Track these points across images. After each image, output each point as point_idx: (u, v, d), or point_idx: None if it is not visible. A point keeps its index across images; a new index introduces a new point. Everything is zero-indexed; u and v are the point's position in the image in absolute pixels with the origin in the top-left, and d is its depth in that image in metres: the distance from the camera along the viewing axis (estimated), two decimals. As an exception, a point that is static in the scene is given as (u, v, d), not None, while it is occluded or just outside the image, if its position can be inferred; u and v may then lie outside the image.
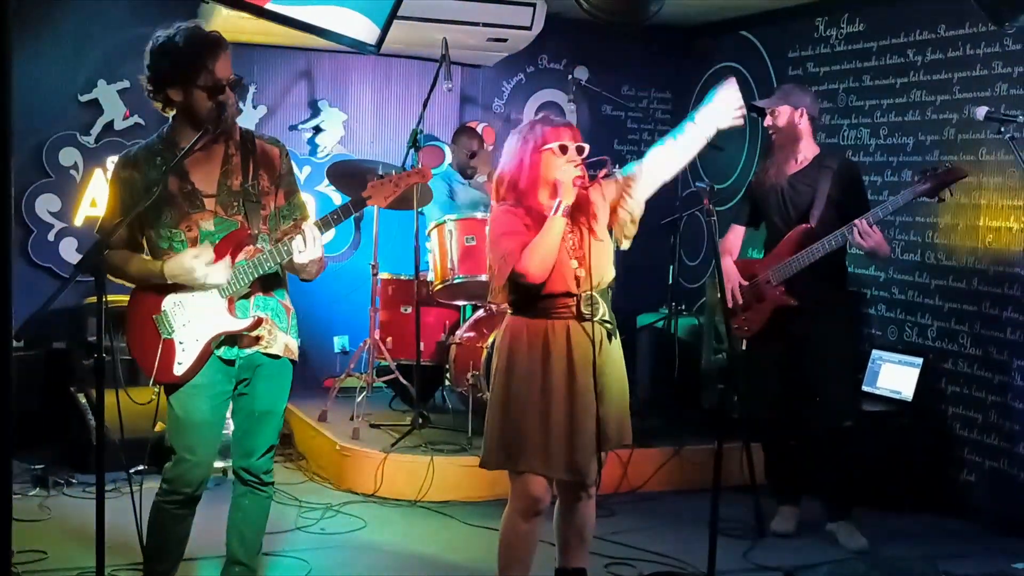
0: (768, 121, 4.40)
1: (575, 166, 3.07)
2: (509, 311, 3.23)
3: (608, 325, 3.16)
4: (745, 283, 4.40)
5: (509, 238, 3.07)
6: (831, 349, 4.31)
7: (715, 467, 3.36)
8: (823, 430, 4.36)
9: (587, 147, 3.14)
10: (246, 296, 3.08)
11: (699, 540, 3.53)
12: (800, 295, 4.26)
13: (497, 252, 3.10)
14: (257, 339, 3.10)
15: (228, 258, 3.01)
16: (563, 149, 3.09)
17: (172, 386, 3.09)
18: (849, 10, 5.68)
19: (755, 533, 4.42)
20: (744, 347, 4.45)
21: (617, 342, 3.23)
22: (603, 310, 3.14)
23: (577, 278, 3.09)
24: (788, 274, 4.27)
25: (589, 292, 3.11)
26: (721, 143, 6.51)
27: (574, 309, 3.10)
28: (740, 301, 4.39)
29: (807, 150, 4.35)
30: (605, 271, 3.16)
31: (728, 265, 4.46)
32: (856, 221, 4.07)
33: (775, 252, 4.34)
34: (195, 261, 2.98)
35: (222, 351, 3.08)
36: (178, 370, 3.04)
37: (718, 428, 3.59)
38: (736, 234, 4.58)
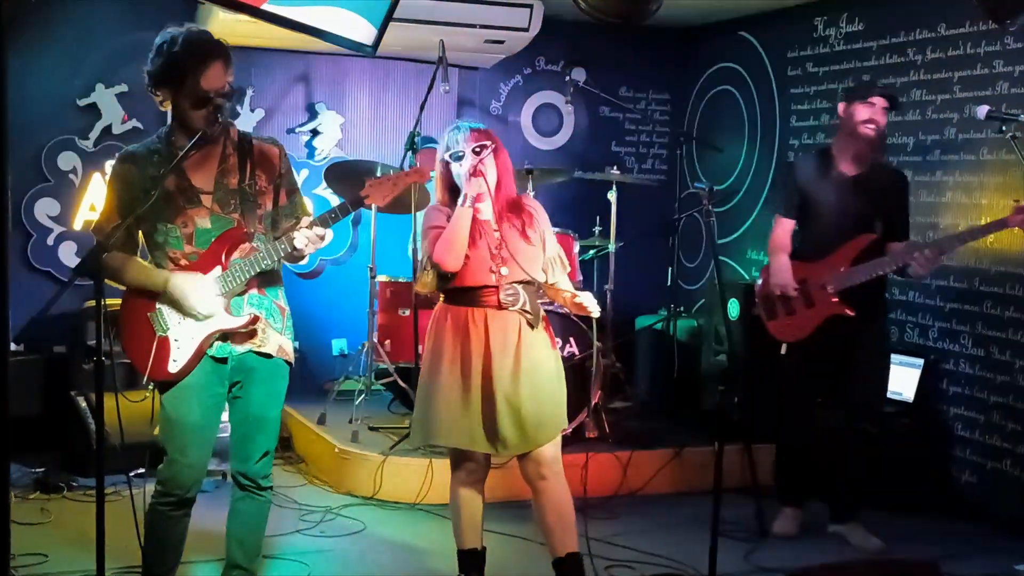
0: (874, 116, 4.14)
1: (477, 174, 3.33)
2: (441, 299, 3.49)
3: (529, 315, 3.39)
4: (796, 286, 4.22)
5: (428, 232, 3.40)
6: (874, 357, 4.26)
7: (716, 469, 3.35)
8: (848, 433, 4.30)
9: (488, 144, 3.38)
10: (241, 294, 3.08)
11: (700, 542, 3.52)
12: (852, 303, 4.13)
13: (423, 247, 3.42)
14: (250, 336, 3.09)
15: (220, 296, 3.02)
16: (459, 156, 3.37)
17: (165, 385, 3.08)
18: (848, 10, 5.68)
19: (756, 535, 4.41)
20: (784, 351, 4.31)
21: (540, 332, 3.44)
22: (523, 301, 3.38)
23: (495, 272, 3.35)
24: (850, 284, 4.12)
25: (508, 283, 3.36)
26: (720, 144, 6.58)
27: (495, 299, 3.36)
28: (792, 303, 4.24)
29: (880, 156, 4.27)
30: (528, 269, 3.39)
31: (784, 263, 4.26)
32: (928, 251, 3.98)
33: (833, 258, 4.17)
34: (193, 288, 2.98)
35: (215, 349, 3.08)
36: (173, 367, 3.04)
37: (719, 430, 3.59)
38: (785, 229, 4.35)
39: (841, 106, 4.26)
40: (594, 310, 3.39)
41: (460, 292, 3.40)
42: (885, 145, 4.28)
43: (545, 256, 3.48)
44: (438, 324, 3.44)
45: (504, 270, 3.37)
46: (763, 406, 4.81)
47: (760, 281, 4.47)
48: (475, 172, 3.32)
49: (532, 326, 3.41)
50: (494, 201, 3.41)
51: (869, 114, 4.13)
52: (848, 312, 4.12)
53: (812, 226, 4.29)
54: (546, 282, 3.50)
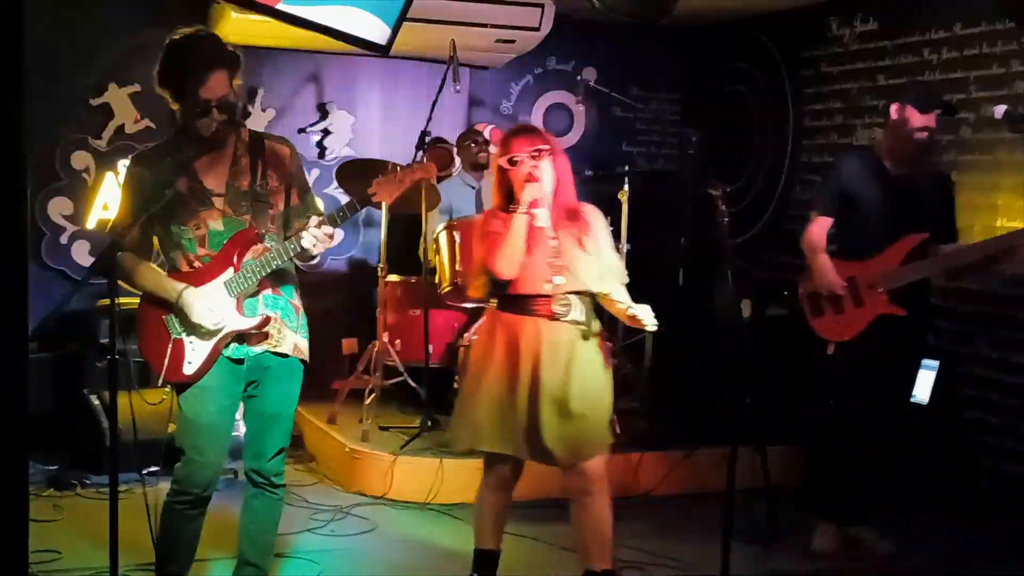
0: (929, 124, 4.06)
1: (533, 181, 3.27)
2: (493, 304, 3.43)
3: (582, 327, 3.32)
4: (844, 284, 4.14)
5: (483, 238, 3.35)
6: (912, 360, 4.20)
7: (729, 471, 3.34)
8: (866, 435, 4.23)
9: (544, 147, 3.30)
10: (254, 294, 3.08)
11: (712, 544, 3.51)
12: (901, 303, 4.07)
13: (477, 254, 3.38)
14: (266, 336, 3.10)
15: (228, 310, 3.02)
16: (514, 162, 3.30)
17: (182, 386, 3.09)
18: (862, 9, 5.66)
19: (769, 537, 4.39)
20: (831, 350, 4.20)
21: (592, 344, 3.36)
22: (577, 312, 3.31)
23: (550, 281, 3.28)
24: (901, 283, 4.05)
25: (563, 294, 3.28)
26: (732, 144, 6.56)
27: (548, 309, 3.29)
28: (840, 302, 4.14)
29: (928, 159, 4.20)
30: (584, 279, 3.32)
31: (827, 263, 4.16)
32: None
33: (883, 257, 4.09)
34: (201, 303, 2.99)
35: (231, 350, 3.08)
36: (188, 369, 3.04)
37: (731, 432, 3.57)
38: (822, 227, 4.23)
39: (894, 107, 4.11)
40: (650, 324, 3.29)
41: (512, 300, 3.33)
42: (934, 148, 4.20)
43: (602, 266, 3.38)
44: (488, 331, 3.40)
45: (559, 279, 3.29)
46: (777, 407, 4.78)
47: (802, 279, 4.36)
48: (530, 177, 3.26)
49: (585, 338, 3.33)
50: (551, 208, 3.34)
51: (924, 122, 4.04)
52: (900, 312, 4.05)
53: (857, 225, 4.18)
54: (601, 293, 3.39)
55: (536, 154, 3.29)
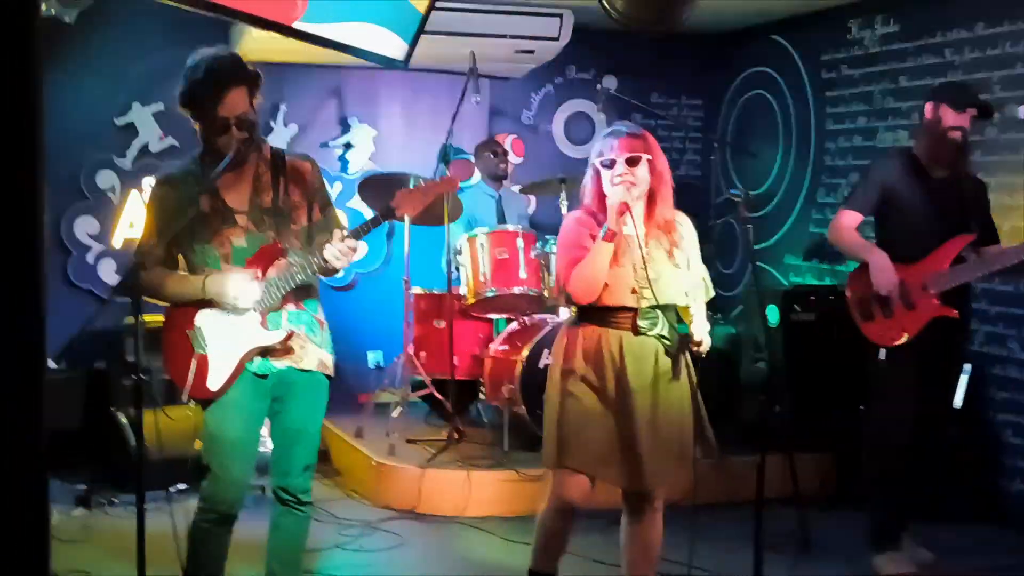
0: (962, 122, 3.99)
1: (626, 187, 3.10)
2: (572, 312, 3.31)
3: (667, 341, 3.16)
4: (898, 283, 3.98)
5: (567, 251, 3.18)
6: (956, 365, 4.13)
7: (758, 480, 3.30)
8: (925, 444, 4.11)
9: (643, 157, 3.14)
10: (277, 309, 3.08)
11: (742, 554, 3.47)
12: (952, 306, 3.98)
13: (559, 264, 3.24)
14: (289, 351, 3.10)
15: (260, 283, 3.02)
16: (610, 164, 3.13)
17: (207, 402, 3.10)
18: (883, 11, 5.61)
19: (800, 547, 4.33)
20: (883, 356, 4.04)
21: (680, 359, 3.19)
22: (662, 326, 3.15)
23: (636, 293, 3.12)
24: (952, 285, 3.95)
25: (649, 307, 3.13)
26: (754, 149, 6.52)
27: (632, 323, 3.13)
28: (891, 305, 4.00)
29: (964, 160, 4.13)
30: (672, 293, 3.16)
31: (886, 261, 3.99)
32: None
33: (932, 259, 3.98)
34: (231, 281, 2.99)
35: (256, 365, 3.09)
36: (212, 385, 3.05)
37: (761, 439, 3.53)
38: (854, 221, 4.11)
39: (929, 106, 4.05)
40: (701, 346, 3.16)
41: (596, 311, 3.17)
42: (969, 148, 4.13)
43: (690, 280, 3.22)
44: (568, 342, 3.22)
45: (646, 292, 3.12)
46: (805, 414, 4.74)
47: (850, 283, 4.20)
48: (623, 183, 3.09)
49: (669, 353, 3.17)
50: (644, 215, 3.18)
51: (958, 122, 3.98)
52: (953, 314, 3.95)
53: (899, 227, 4.08)
54: (684, 306, 3.23)
55: (633, 160, 3.13)
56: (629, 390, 3.11)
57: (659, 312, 3.15)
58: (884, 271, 4.00)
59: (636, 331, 3.14)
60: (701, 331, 3.19)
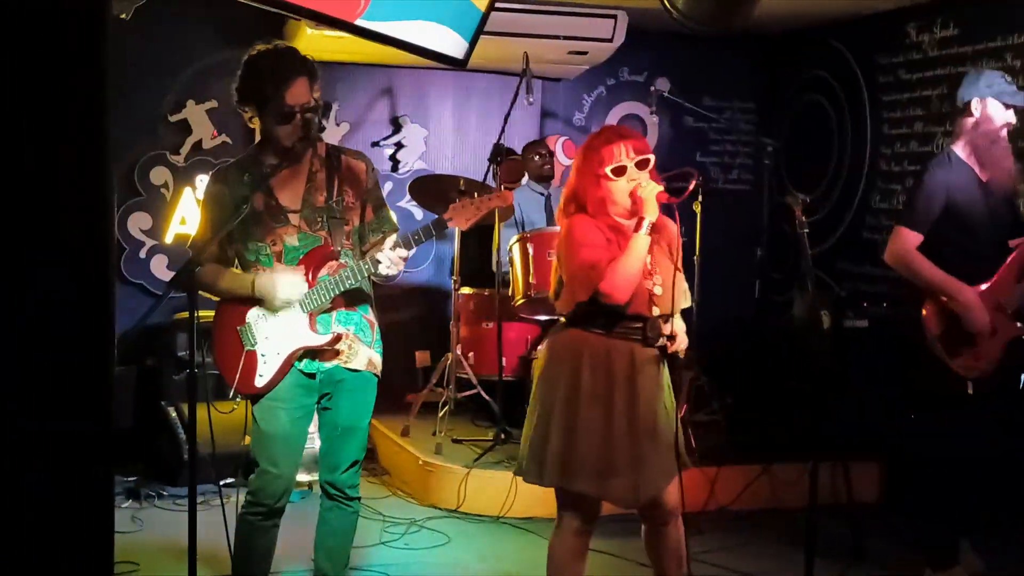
0: (1008, 118, 3.75)
1: (657, 181, 3.02)
2: (563, 320, 3.11)
3: (660, 350, 3.06)
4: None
5: (591, 250, 2.96)
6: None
7: (811, 486, 3.25)
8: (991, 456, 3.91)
9: (650, 158, 3.05)
10: (328, 311, 3.09)
11: (791, 560, 3.43)
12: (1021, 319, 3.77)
13: (576, 263, 2.97)
14: (337, 353, 3.11)
15: (309, 283, 3.04)
16: (619, 171, 3.00)
17: (255, 398, 3.13)
18: (942, 14, 5.50)
19: (853, 554, 4.26)
20: (970, 391, 3.71)
21: (664, 367, 3.12)
22: (662, 335, 3.03)
23: (653, 299, 3.00)
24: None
25: (661, 315, 3.02)
26: (808, 154, 6.43)
27: (641, 334, 3.00)
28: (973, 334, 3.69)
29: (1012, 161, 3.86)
30: (679, 301, 3.06)
31: (975, 298, 3.66)
32: None
33: (1003, 275, 3.71)
34: (280, 281, 3.02)
35: (303, 364, 3.11)
36: (259, 382, 3.08)
37: (813, 446, 3.47)
38: (915, 243, 3.75)
39: (977, 102, 3.77)
40: (676, 346, 3.05)
41: (604, 320, 2.99)
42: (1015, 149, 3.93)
43: (683, 282, 3.09)
44: (572, 351, 3.03)
45: (663, 299, 3.01)
46: (857, 421, 4.66)
47: (930, 319, 3.79)
48: (668, 199, 2.96)
49: (660, 362, 3.07)
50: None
51: (1007, 119, 3.75)
52: None
53: (960, 241, 3.75)
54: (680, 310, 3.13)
55: (643, 164, 3.01)
56: (638, 405, 2.99)
57: (660, 321, 3.01)
58: (976, 310, 3.68)
59: (646, 342, 3.01)
60: (682, 333, 3.07)
